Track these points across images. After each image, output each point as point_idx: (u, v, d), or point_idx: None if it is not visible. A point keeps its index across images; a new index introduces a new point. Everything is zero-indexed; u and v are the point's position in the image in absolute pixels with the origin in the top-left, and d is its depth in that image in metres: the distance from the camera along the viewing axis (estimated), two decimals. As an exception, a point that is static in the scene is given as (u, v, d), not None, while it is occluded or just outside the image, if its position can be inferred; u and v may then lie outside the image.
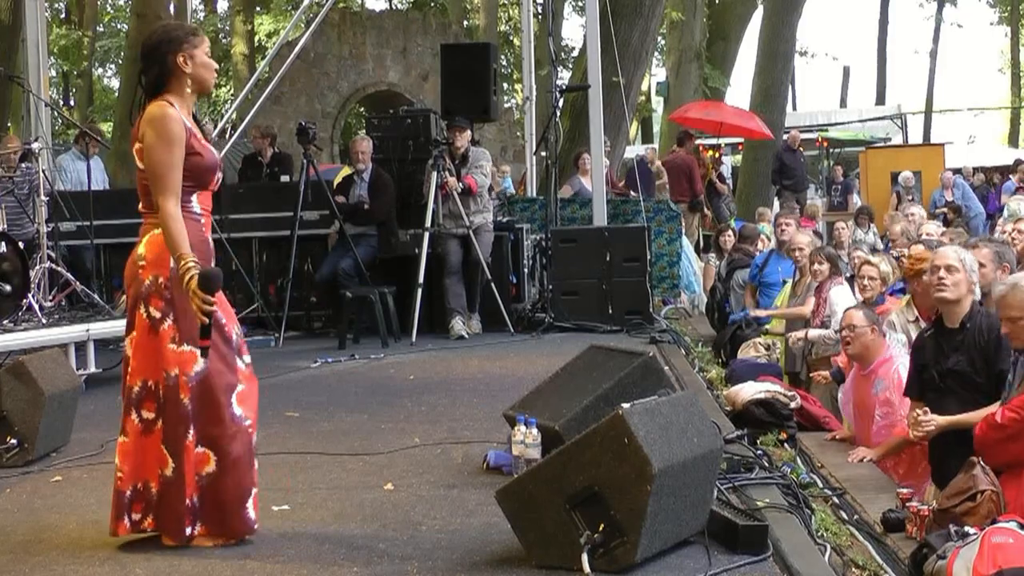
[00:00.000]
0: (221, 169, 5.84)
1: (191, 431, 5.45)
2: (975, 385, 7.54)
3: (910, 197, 24.39)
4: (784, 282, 13.43)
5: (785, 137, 26.55)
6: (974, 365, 7.54)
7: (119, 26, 45.26)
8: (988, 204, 26.93)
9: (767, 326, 13.18)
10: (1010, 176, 29.20)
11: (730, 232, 17.55)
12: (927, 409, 7.58)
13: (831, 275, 11.82)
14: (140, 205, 5.60)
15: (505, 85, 26.41)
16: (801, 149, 26.72)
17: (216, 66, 5.76)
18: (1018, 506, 6.26)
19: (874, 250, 14.86)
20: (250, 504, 5.60)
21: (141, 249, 5.52)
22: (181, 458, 5.44)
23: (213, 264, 5.61)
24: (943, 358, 7.67)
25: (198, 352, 5.42)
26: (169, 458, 5.45)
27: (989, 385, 7.43)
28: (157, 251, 5.47)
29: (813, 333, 11.61)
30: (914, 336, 8.88)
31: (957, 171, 27.67)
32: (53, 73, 40.42)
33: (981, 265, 8.22)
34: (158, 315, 5.45)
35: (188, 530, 5.50)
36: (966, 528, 5.45)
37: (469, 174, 13.62)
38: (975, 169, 31.03)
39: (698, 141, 25.10)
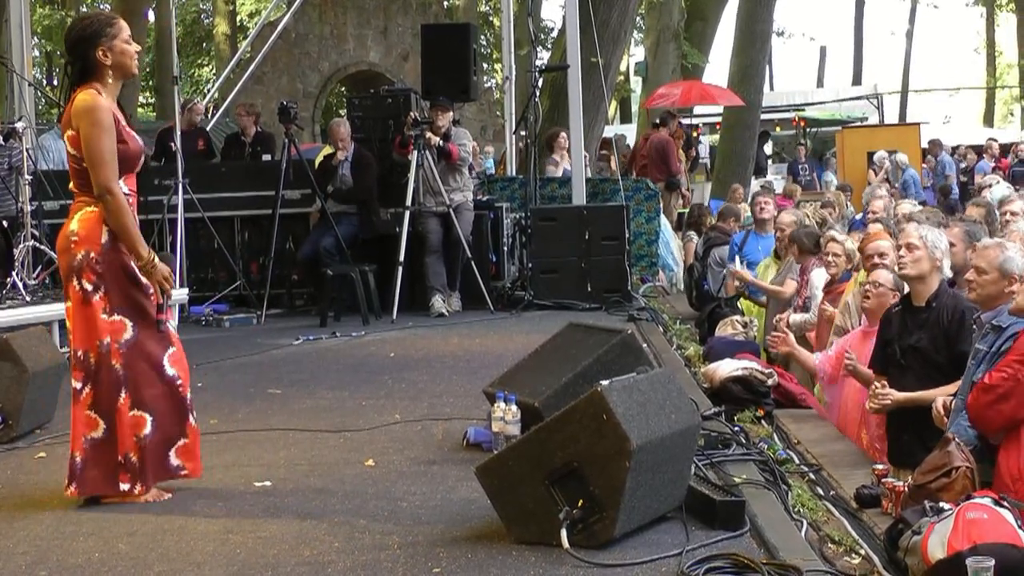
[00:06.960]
0: (145, 153, 6.29)
1: (123, 394, 5.86)
2: (935, 364, 7.59)
3: (886, 177, 24.47)
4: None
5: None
6: (935, 344, 7.60)
7: (102, 6, 45.06)
8: (970, 183, 27.03)
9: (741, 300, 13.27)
10: (982, 155, 29.33)
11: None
12: (886, 383, 7.66)
13: (812, 256, 11.83)
14: (71, 185, 6.02)
15: (485, 65, 26.22)
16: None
17: (137, 49, 6.08)
18: (1020, 476, 6.32)
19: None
20: (172, 452, 6.02)
21: (73, 225, 5.90)
22: (113, 419, 5.88)
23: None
24: (906, 334, 7.73)
25: (127, 321, 5.86)
26: (100, 420, 5.90)
27: (949, 366, 7.47)
28: (89, 228, 5.87)
29: (796, 317, 11.61)
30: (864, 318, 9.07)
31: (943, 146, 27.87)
32: (37, 53, 40.25)
33: (952, 244, 8.28)
34: (90, 288, 5.85)
35: (125, 486, 5.90)
36: (941, 504, 5.48)
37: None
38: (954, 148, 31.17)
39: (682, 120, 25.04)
